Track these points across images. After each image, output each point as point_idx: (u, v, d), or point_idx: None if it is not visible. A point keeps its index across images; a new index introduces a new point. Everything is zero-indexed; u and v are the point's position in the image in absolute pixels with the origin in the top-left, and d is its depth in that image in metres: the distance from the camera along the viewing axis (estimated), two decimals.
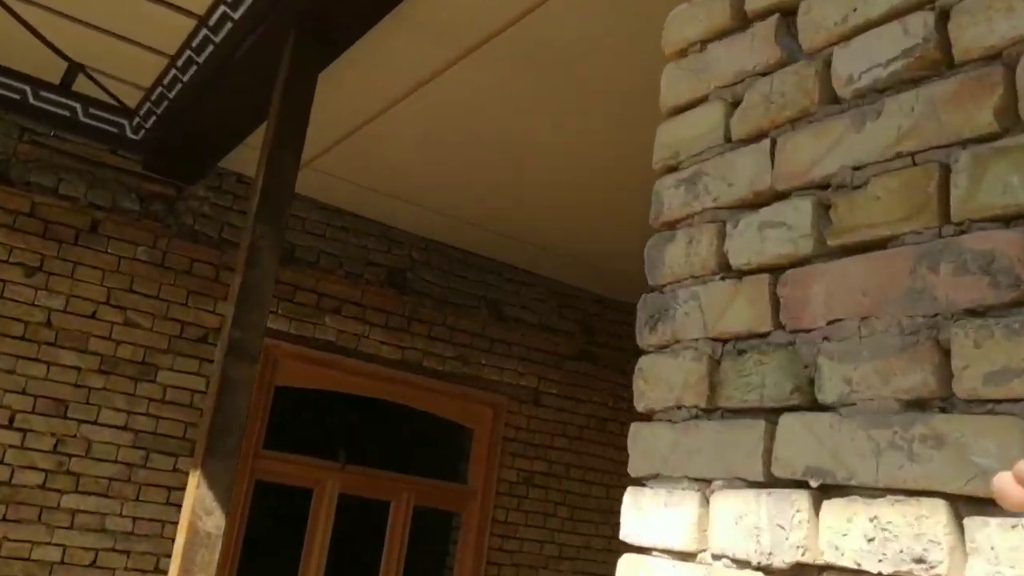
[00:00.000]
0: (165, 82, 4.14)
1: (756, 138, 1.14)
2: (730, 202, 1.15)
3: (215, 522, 2.70)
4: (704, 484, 1.06)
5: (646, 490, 1.13)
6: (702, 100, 1.25)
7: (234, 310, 2.85)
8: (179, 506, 4.54)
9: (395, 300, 5.40)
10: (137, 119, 4.54)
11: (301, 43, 3.14)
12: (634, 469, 1.16)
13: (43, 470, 4.27)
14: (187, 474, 4.60)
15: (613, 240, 5.30)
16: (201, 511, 2.68)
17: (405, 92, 3.93)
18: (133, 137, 4.62)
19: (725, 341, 1.10)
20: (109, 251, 4.58)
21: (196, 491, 2.69)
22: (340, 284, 5.24)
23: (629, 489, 1.15)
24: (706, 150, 1.22)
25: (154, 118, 4.44)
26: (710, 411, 1.09)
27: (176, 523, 4.46)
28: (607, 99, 3.68)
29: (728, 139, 1.19)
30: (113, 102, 4.47)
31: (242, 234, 3.03)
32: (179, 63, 3.95)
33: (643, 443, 1.16)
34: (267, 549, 5.27)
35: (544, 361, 5.97)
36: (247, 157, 4.73)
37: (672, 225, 1.25)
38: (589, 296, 6.27)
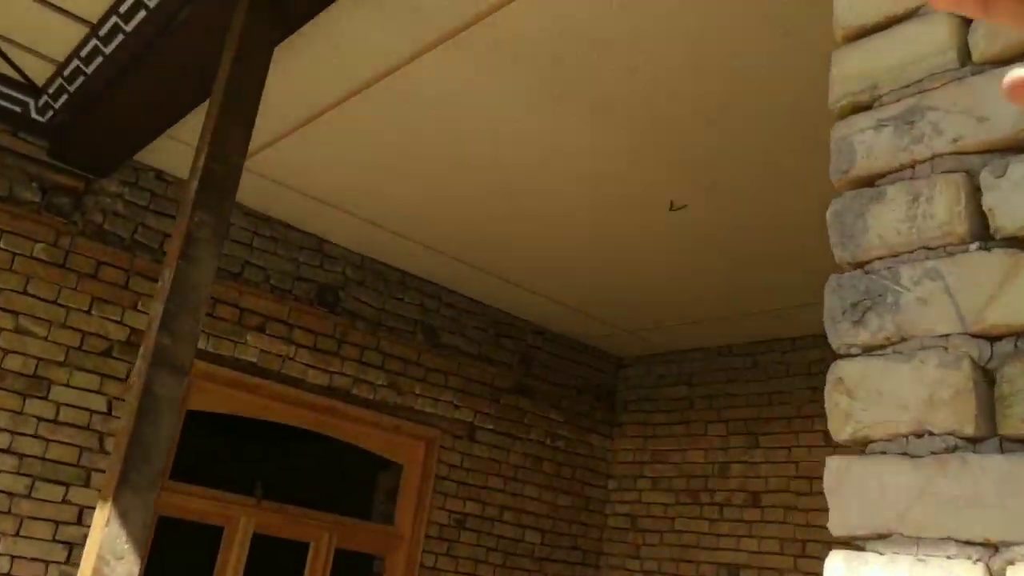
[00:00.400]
0: (82, 55, 3.61)
1: (1020, 55, 0.81)
2: (984, 143, 0.81)
3: (127, 569, 2.19)
4: (988, 551, 0.70)
5: (870, 558, 0.76)
6: (912, 14, 0.90)
7: (162, 312, 2.36)
8: (68, 544, 3.92)
9: (325, 320, 4.92)
10: (45, 98, 3.98)
11: (257, 7, 2.70)
12: (843, 525, 0.80)
13: None
14: (79, 507, 3.99)
15: (559, 270, 4.97)
16: (110, 555, 2.17)
17: (361, 84, 3.52)
18: (38, 119, 4.05)
19: (998, 338, 0.75)
20: (2, 246, 3.97)
21: (104, 530, 2.17)
22: (265, 299, 4.73)
23: (837, 554, 0.78)
24: (929, 77, 0.87)
25: (65, 97, 3.89)
26: (981, 440, 0.73)
27: (63, 563, 3.84)
28: (587, 103, 3.36)
29: (966, 61, 0.85)
30: (17, 77, 3.91)
31: (176, 222, 2.55)
32: (102, 32, 3.44)
33: (859, 487, 0.79)
34: None
35: (480, 393, 5.56)
36: (171, 151, 4.22)
37: (874, 180, 0.90)
38: (529, 327, 5.91)
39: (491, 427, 5.57)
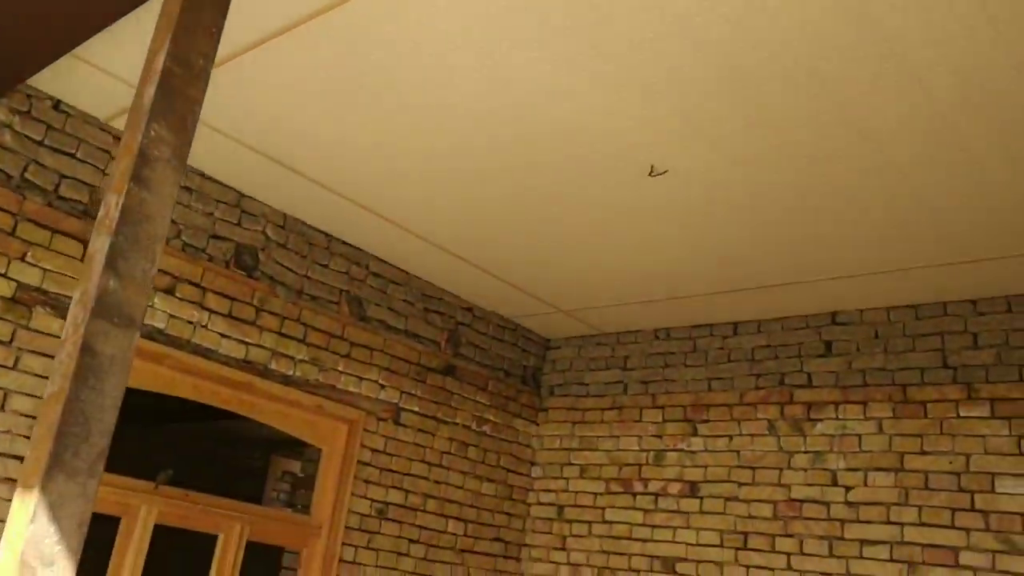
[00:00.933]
0: None
1: None
2: None
3: None
4: None
5: None
6: None
7: (108, 248, 1.84)
8: None
9: (242, 285, 4.37)
10: None
11: None
12: None
13: None
14: None
15: (494, 239, 4.59)
16: (36, 559, 1.66)
17: (307, 15, 3.02)
18: None
19: None
20: None
21: (30, 528, 1.66)
22: (176, 258, 4.14)
23: None
24: None
25: None
26: None
27: None
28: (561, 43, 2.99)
29: None
30: None
31: (124, 138, 2.01)
32: None
33: None
34: None
35: (407, 373, 5.12)
36: (75, 76, 3.59)
37: None
38: (458, 302, 5.50)
39: (417, 409, 5.14)
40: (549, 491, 5.70)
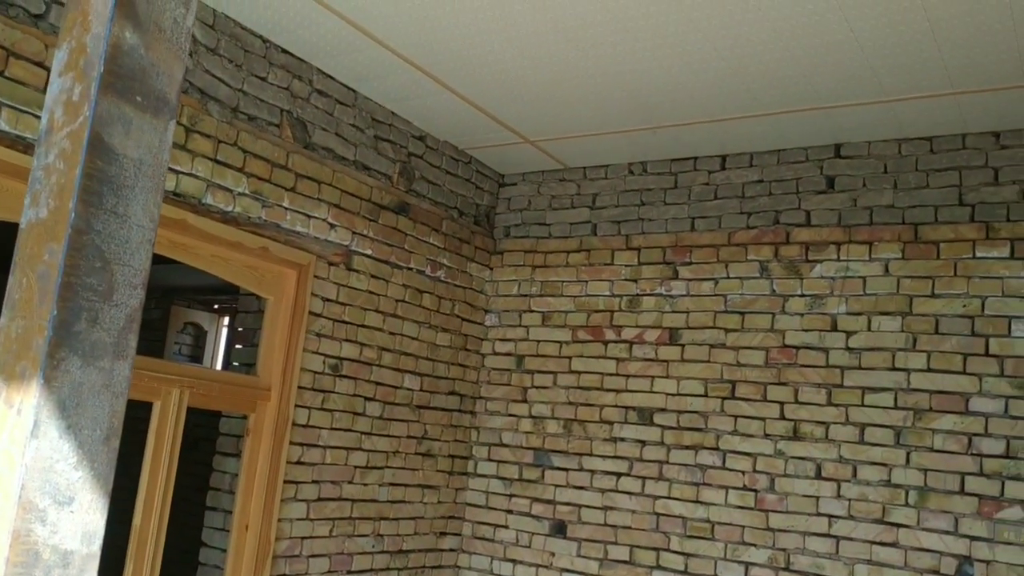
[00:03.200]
0: None
1: None
2: None
3: (81, 525, 1.04)
4: None
5: None
6: None
7: None
8: None
9: None
10: None
11: None
12: None
13: None
14: None
15: (456, 47, 3.86)
16: (44, 496, 1.00)
17: None
18: None
19: None
20: None
21: (31, 446, 0.98)
22: None
23: None
24: None
25: None
26: None
27: None
28: None
29: None
30: None
31: None
32: None
33: None
34: None
35: (359, 211, 4.40)
36: None
37: None
38: (410, 130, 4.75)
39: (370, 252, 4.46)
40: (507, 340, 5.22)
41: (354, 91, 4.37)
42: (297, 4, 3.59)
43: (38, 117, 3.07)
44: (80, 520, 1.02)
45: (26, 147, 3.04)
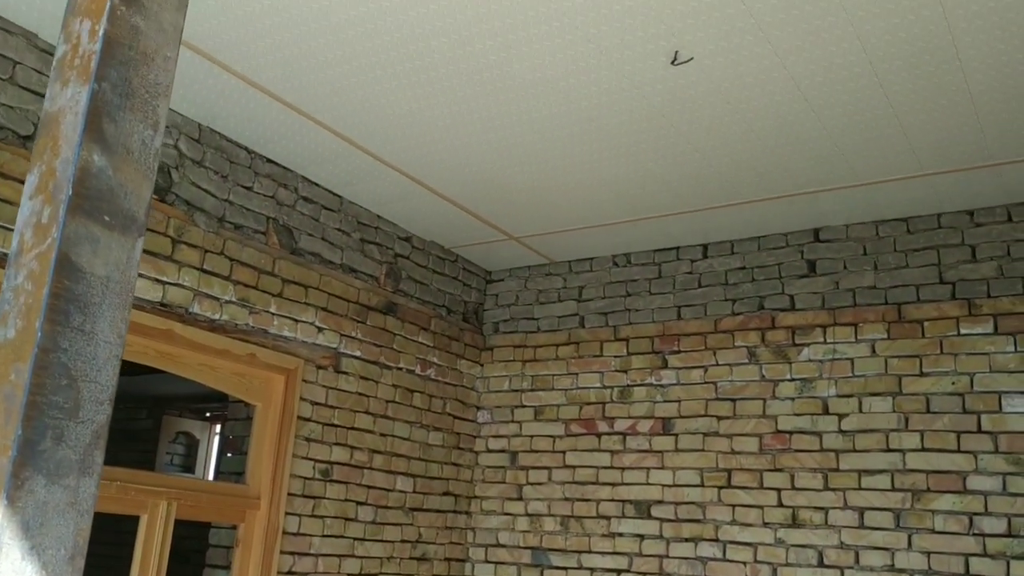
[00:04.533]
0: None
1: None
2: None
3: None
4: None
5: None
6: None
7: (87, 102, 1.14)
8: None
9: (155, 211, 3.55)
10: None
11: None
12: None
13: None
14: None
15: (440, 152, 3.96)
16: None
17: None
18: None
19: None
20: None
21: None
22: None
23: None
24: None
25: None
26: None
27: None
28: None
29: None
30: None
31: None
32: None
33: None
34: None
35: (346, 313, 4.43)
36: None
37: None
38: (395, 232, 4.82)
39: (359, 354, 4.47)
40: (500, 436, 5.18)
41: (339, 196, 4.45)
42: (281, 116, 3.70)
43: None
44: None
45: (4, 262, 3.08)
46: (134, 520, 3.47)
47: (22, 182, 3.11)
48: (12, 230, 3.06)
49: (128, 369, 3.65)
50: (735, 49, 3.00)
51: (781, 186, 4.08)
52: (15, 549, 0.99)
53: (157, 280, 3.52)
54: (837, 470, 4.16)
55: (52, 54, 3.28)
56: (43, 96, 3.22)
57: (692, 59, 3.00)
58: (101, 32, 1.14)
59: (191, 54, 3.27)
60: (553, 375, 5.09)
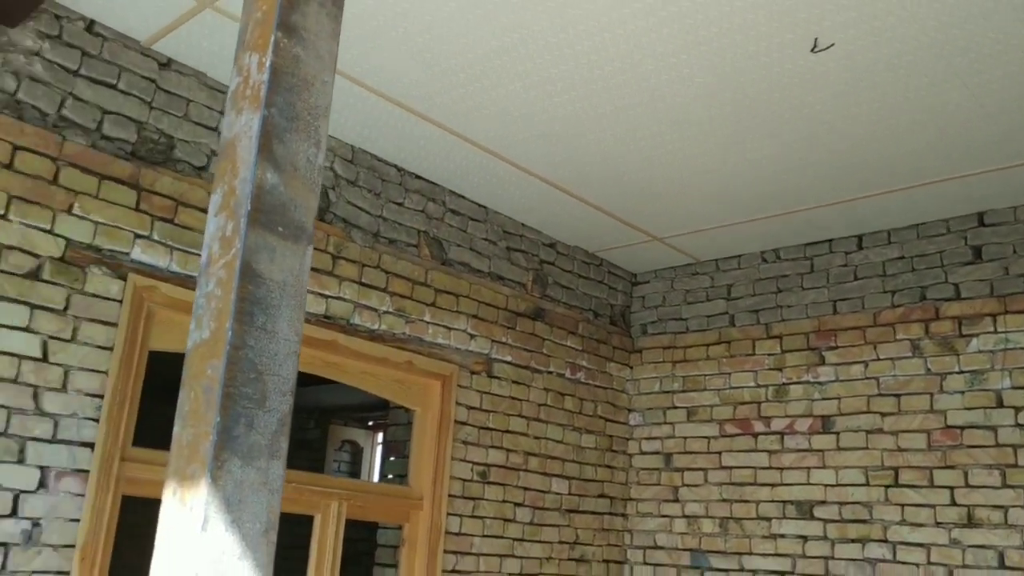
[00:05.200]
0: None
1: None
2: None
3: None
4: None
5: None
6: None
7: (259, 127, 1.27)
8: (2, 545, 2.75)
9: (316, 230, 3.78)
10: None
11: None
12: None
13: None
14: (12, 493, 2.79)
15: (583, 158, 4.00)
16: None
17: None
18: None
19: None
20: None
21: (201, 538, 1.11)
22: None
23: None
24: None
25: None
26: None
27: (48, 573, 2.67)
28: None
29: None
30: None
31: None
32: None
33: None
34: None
35: (496, 320, 4.56)
36: None
37: None
38: (540, 239, 4.92)
39: (510, 359, 4.59)
40: (653, 438, 5.17)
41: (485, 207, 4.60)
42: (427, 133, 3.87)
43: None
44: None
45: (194, 285, 3.36)
46: (309, 523, 3.70)
47: (200, 209, 3.40)
48: (192, 253, 3.35)
49: (297, 380, 3.90)
50: (877, 32, 2.92)
51: (938, 170, 3.90)
52: (219, 522, 1.12)
53: (320, 294, 3.75)
54: (1016, 466, 3.92)
55: (218, 90, 3.57)
56: (213, 129, 3.51)
57: (833, 45, 2.94)
58: (268, 63, 1.27)
59: (342, 80, 3.48)
60: (705, 375, 5.05)
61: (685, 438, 5.04)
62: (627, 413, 5.28)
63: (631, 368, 5.36)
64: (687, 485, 4.96)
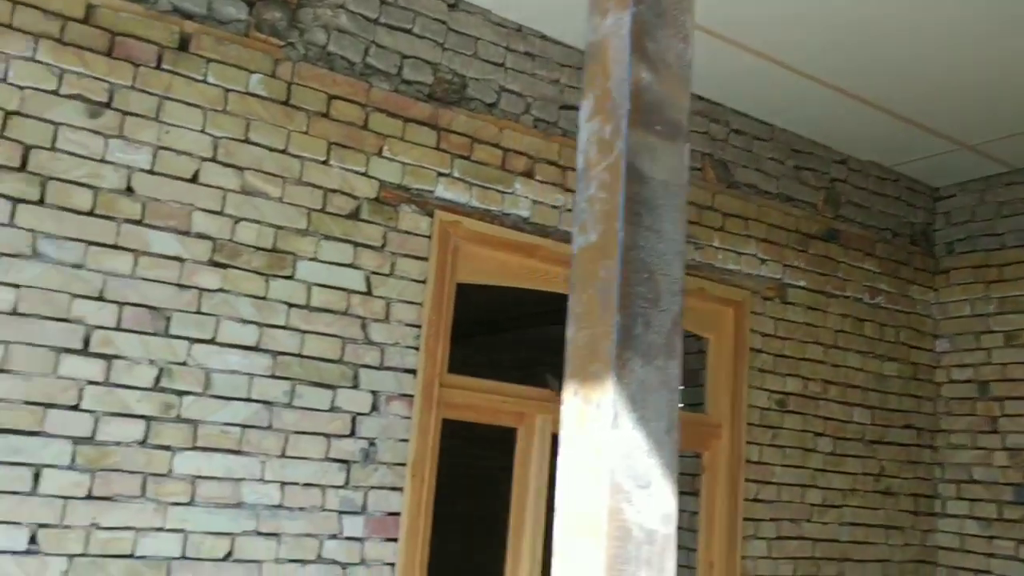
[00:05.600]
0: None
1: None
2: None
3: (659, 507, 1.13)
4: None
5: None
6: None
7: (630, 25, 1.22)
8: (344, 463, 3.02)
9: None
10: None
11: None
12: None
13: (142, 417, 2.72)
14: (350, 415, 3.05)
15: (880, 56, 3.62)
16: (629, 480, 1.11)
17: None
18: None
19: None
20: (210, 80, 2.96)
21: (613, 435, 1.10)
22: (529, 135, 3.61)
23: None
24: None
25: None
26: None
27: (342, 487, 2.94)
28: None
29: None
30: None
31: None
32: None
33: None
34: (459, 519, 3.75)
35: (786, 243, 4.34)
36: None
37: None
38: (830, 156, 4.61)
39: (803, 284, 4.37)
40: (964, 366, 4.74)
41: (770, 125, 4.36)
42: (708, 46, 3.71)
43: (499, 192, 3.49)
44: (657, 502, 1.12)
45: (492, 219, 3.47)
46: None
47: (492, 144, 3.48)
48: (489, 188, 3.44)
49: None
50: None
51: None
52: (627, 420, 1.11)
53: None
54: None
55: (502, 26, 3.61)
56: (500, 65, 3.57)
57: None
58: None
59: None
60: None
61: (1004, 364, 4.58)
62: (932, 339, 4.87)
63: (936, 291, 4.93)
64: (1007, 415, 4.51)
